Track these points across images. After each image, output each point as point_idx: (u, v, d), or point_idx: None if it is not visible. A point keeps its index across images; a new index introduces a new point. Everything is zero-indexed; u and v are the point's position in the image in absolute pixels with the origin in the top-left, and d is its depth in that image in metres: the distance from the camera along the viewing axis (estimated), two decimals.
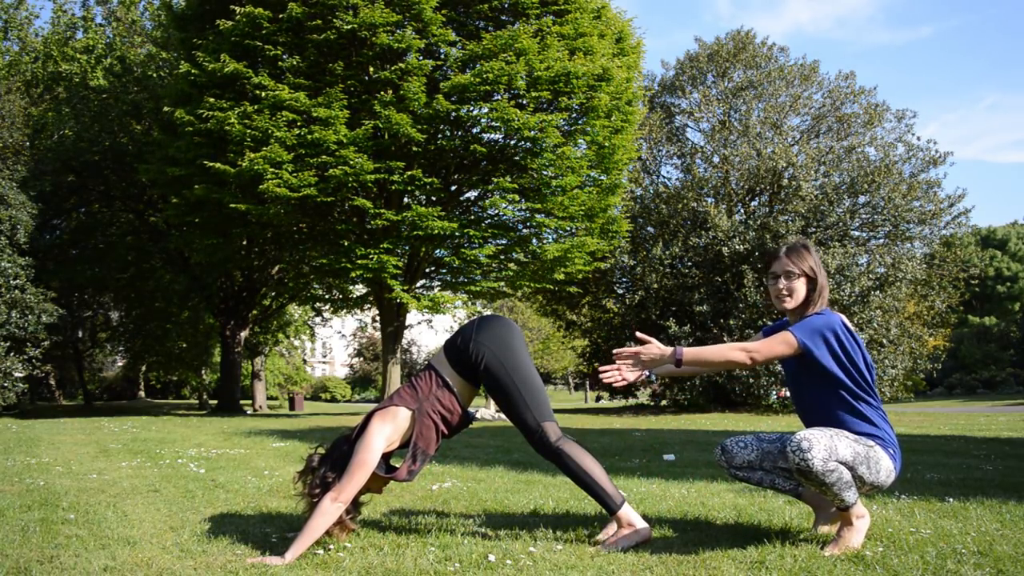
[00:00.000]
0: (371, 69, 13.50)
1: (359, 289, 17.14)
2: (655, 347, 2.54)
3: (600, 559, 2.44)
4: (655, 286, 17.66)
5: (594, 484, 2.70)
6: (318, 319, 30.76)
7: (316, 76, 13.25)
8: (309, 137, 12.50)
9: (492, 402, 11.50)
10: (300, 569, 2.40)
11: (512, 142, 13.89)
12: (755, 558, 2.37)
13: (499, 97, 13.08)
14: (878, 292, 16.34)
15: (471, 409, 2.96)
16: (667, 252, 17.46)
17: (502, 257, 15.25)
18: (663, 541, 2.70)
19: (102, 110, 19.43)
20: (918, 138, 18.60)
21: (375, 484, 2.82)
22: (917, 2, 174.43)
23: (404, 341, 28.16)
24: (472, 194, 15.78)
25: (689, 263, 17.93)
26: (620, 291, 19.66)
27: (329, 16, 12.76)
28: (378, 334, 34.74)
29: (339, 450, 2.77)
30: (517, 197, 14.17)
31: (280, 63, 13.40)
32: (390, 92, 12.87)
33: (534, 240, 15.22)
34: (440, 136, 13.91)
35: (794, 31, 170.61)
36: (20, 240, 14.54)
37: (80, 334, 25.32)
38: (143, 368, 33.59)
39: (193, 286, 20.23)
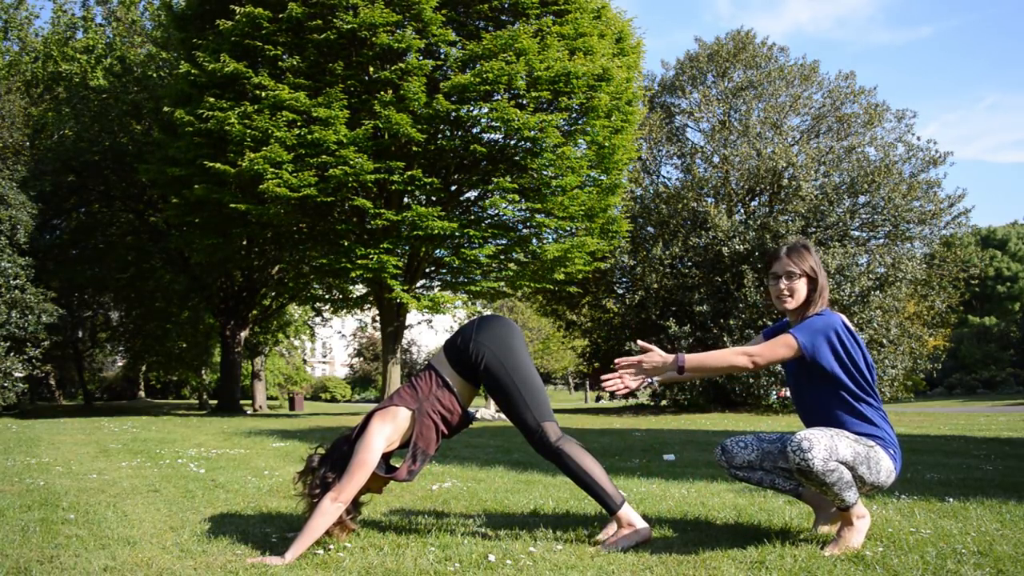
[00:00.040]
0: (371, 69, 13.50)
1: (359, 289, 17.14)
2: (657, 355, 2.55)
3: (600, 559, 2.44)
4: (655, 286, 17.66)
5: (594, 484, 2.70)
6: (318, 319, 30.76)
7: (316, 76, 13.25)
8: (309, 137, 12.50)
9: (492, 402, 11.50)
10: (300, 569, 2.40)
11: (512, 142, 13.90)
12: (755, 558, 2.37)
13: (499, 97, 13.08)
14: (878, 292, 16.34)
15: (471, 409, 2.96)
16: (667, 252, 17.46)
17: (502, 257, 15.25)
18: (663, 541, 2.70)
19: (102, 110, 19.43)
20: (918, 138, 18.62)
21: (375, 484, 2.82)
22: (917, 2, 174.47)
23: (404, 341, 28.17)
24: (472, 194, 15.78)
25: (689, 263, 17.93)
26: (620, 291, 19.67)
27: (329, 16, 12.76)
28: (378, 334, 34.75)
29: (339, 450, 2.76)
30: (517, 197, 14.17)
31: (280, 63, 13.40)
32: (390, 92, 12.87)
33: (534, 240, 15.23)
34: (440, 136, 13.91)
35: (794, 31, 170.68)
36: (20, 240, 14.54)
37: (80, 334, 25.32)
38: (143, 368, 33.59)
39: (193, 286, 20.24)
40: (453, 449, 6.33)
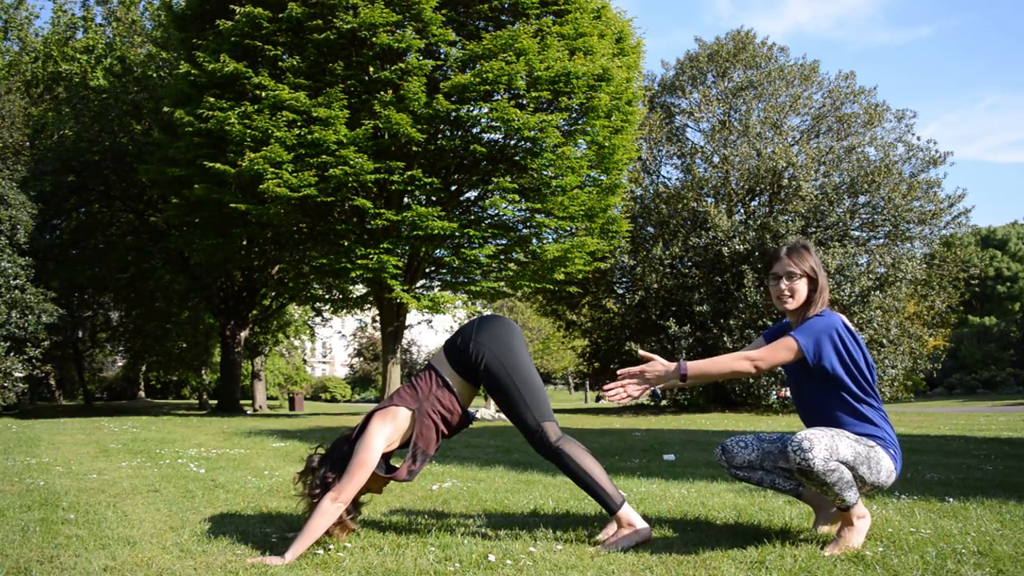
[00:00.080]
0: (371, 69, 13.50)
1: (359, 289, 17.14)
2: (659, 364, 2.55)
3: (600, 559, 2.44)
4: (655, 286, 17.66)
5: (594, 484, 2.70)
6: (318, 319, 30.76)
7: (316, 76, 13.25)
8: (309, 137, 12.50)
9: (492, 402, 11.50)
10: (300, 569, 2.40)
11: (512, 142, 13.90)
12: (755, 558, 2.37)
13: (499, 97, 13.08)
14: (878, 292, 16.34)
15: (471, 409, 2.96)
16: (667, 252, 17.46)
17: (502, 257, 15.25)
18: (663, 541, 2.70)
19: (102, 110, 19.43)
20: (918, 138, 18.63)
21: (375, 484, 2.82)
22: (917, 2, 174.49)
23: (404, 341, 28.17)
24: (472, 194, 15.78)
25: (689, 263, 17.93)
26: (620, 291, 19.67)
27: (329, 16, 12.76)
28: (378, 334, 34.75)
29: (339, 450, 2.76)
30: (517, 197, 14.17)
31: (280, 63, 13.41)
32: (390, 92, 12.87)
33: (534, 240, 15.23)
34: (440, 136, 13.91)
35: (794, 31, 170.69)
36: (20, 240, 14.54)
37: (80, 334, 25.32)
38: (143, 368, 33.60)
39: (193, 286, 20.24)
40: (453, 449, 6.33)
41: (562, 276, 15.17)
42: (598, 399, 43.88)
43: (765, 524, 2.93)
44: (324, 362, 70.73)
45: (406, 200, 14.78)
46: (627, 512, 2.67)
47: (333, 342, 64.81)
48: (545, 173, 14.21)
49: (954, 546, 2.45)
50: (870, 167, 17.38)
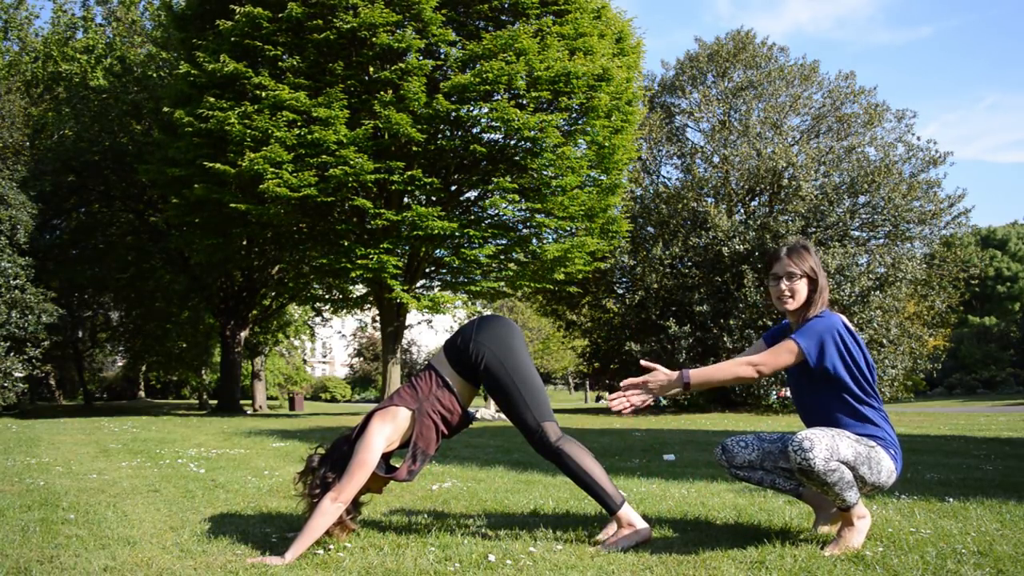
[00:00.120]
0: (371, 69, 13.50)
1: (359, 289, 17.14)
2: (661, 373, 2.56)
3: (600, 559, 2.44)
4: (655, 286, 17.66)
5: (594, 484, 2.70)
6: (318, 319, 30.77)
7: (316, 76, 13.25)
8: (309, 137, 12.50)
9: (492, 402, 11.51)
10: (300, 569, 2.40)
11: (512, 142, 13.90)
12: (755, 558, 2.37)
13: (499, 97, 13.08)
14: (878, 292, 16.34)
15: (471, 409, 2.96)
16: (667, 252, 17.46)
17: (502, 257, 15.26)
18: (663, 541, 2.70)
19: (102, 110, 19.43)
20: (918, 138, 18.63)
21: (375, 484, 2.82)
22: (917, 2, 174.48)
23: (404, 341, 28.17)
24: (472, 194, 15.78)
25: (689, 263, 17.93)
26: (620, 291, 19.67)
27: (329, 16, 12.76)
28: (378, 334, 34.75)
29: (339, 450, 2.76)
30: (517, 197, 14.17)
31: (280, 63, 13.41)
32: (390, 92, 12.87)
33: (534, 240, 15.23)
34: (440, 136, 13.91)
35: (794, 31, 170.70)
36: (20, 240, 14.54)
37: (80, 334, 25.32)
38: (143, 368, 33.60)
39: (193, 286, 20.24)
40: (453, 449, 6.33)
41: (562, 276, 15.17)
42: (598, 399, 43.90)
43: (765, 524, 2.93)
44: (324, 362, 70.74)
45: (406, 200, 14.78)
46: (627, 512, 2.67)
47: (333, 342, 64.82)
48: (545, 173, 14.21)
49: (954, 546, 2.45)
50: (870, 167, 17.38)
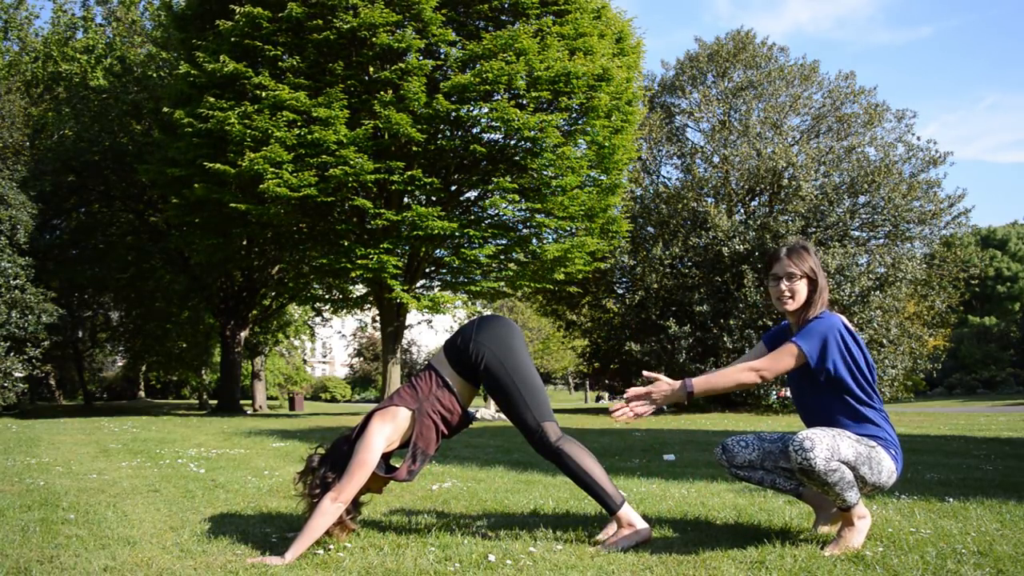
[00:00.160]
0: (371, 69, 13.50)
1: (359, 289, 17.13)
2: (664, 384, 2.56)
3: (600, 559, 2.44)
4: (655, 286, 17.66)
5: (594, 484, 2.70)
6: (318, 319, 30.77)
7: (316, 76, 13.25)
8: (309, 137, 12.50)
9: (492, 402, 11.51)
10: (300, 569, 2.40)
11: (512, 142, 13.90)
12: (755, 558, 2.37)
13: (499, 97, 13.08)
14: (878, 292, 16.34)
15: (471, 409, 2.96)
16: (667, 252, 17.46)
17: (502, 257, 15.26)
18: (663, 541, 2.70)
19: (102, 110, 19.43)
20: (918, 138, 18.61)
21: (375, 484, 2.82)
22: (917, 2, 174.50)
23: (404, 341, 28.17)
24: (472, 194, 15.78)
25: (689, 263, 17.93)
26: (620, 291, 19.67)
27: (329, 16, 12.76)
28: (378, 334, 34.75)
29: (339, 450, 2.76)
30: (517, 197, 14.17)
31: (280, 63, 13.40)
32: (390, 92, 12.87)
33: (534, 240, 15.23)
34: (440, 136, 13.91)
35: (794, 31, 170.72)
36: (20, 240, 14.54)
37: (80, 334, 25.32)
38: (143, 368, 33.60)
39: (193, 286, 20.23)
40: (453, 449, 6.33)
41: (562, 276, 15.17)
42: (598, 399, 43.89)
43: (765, 524, 2.93)
44: (324, 362, 70.74)
45: (406, 200, 14.78)
46: (627, 512, 2.67)
47: (333, 342, 64.82)
48: (545, 173, 14.21)
49: (954, 546, 2.45)
50: (870, 167, 17.38)
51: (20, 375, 15.13)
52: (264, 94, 12.66)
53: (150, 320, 23.77)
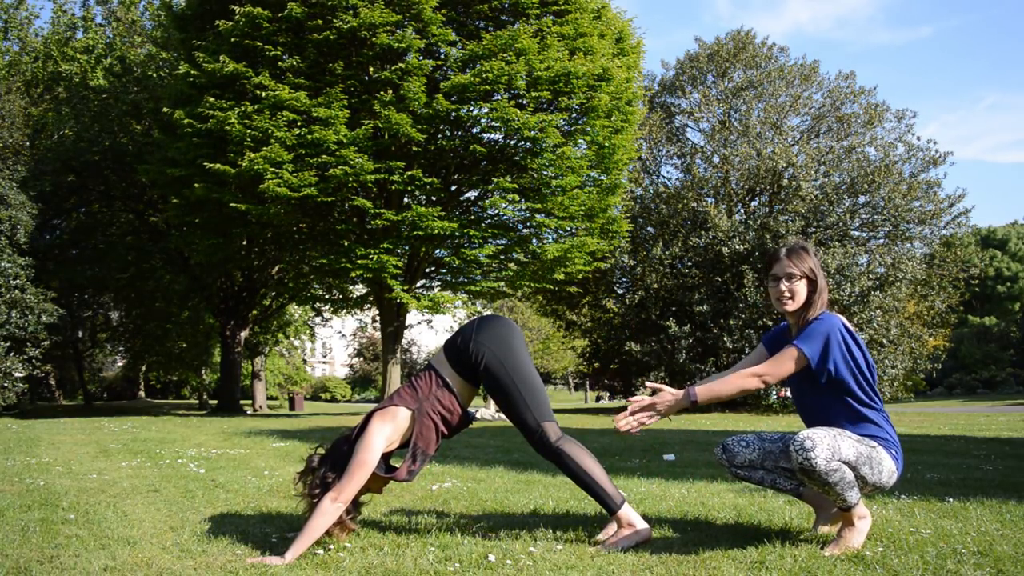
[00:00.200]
0: (371, 69, 13.50)
1: (359, 289, 17.13)
2: (668, 394, 2.56)
3: (600, 559, 2.44)
4: (655, 286, 17.66)
5: (594, 484, 2.70)
6: (318, 319, 30.77)
7: (316, 76, 13.25)
8: (309, 137, 12.50)
9: (492, 402, 11.50)
10: (300, 569, 2.40)
11: (512, 142, 13.90)
12: (755, 558, 2.37)
13: (499, 97, 13.08)
14: (878, 292, 16.34)
15: (471, 409, 2.96)
16: (667, 252, 17.46)
17: (502, 257, 15.25)
18: (663, 541, 2.70)
19: (102, 110, 19.43)
20: (918, 138, 18.60)
21: (375, 484, 2.82)
22: (917, 2, 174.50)
23: (404, 341, 28.17)
24: (472, 194, 15.78)
25: (689, 263, 17.93)
26: (620, 291, 19.67)
27: (329, 16, 12.76)
28: (378, 334, 34.75)
29: (339, 450, 2.76)
30: (517, 197, 14.17)
31: (280, 63, 13.40)
32: (390, 92, 12.87)
33: (534, 240, 15.23)
34: (440, 136, 13.91)
35: (794, 31, 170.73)
36: (20, 240, 14.54)
37: (80, 334, 25.31)
38: (143, 368, 33.60)
39: (193, 286, 20.23)
40: (453, 449, 6.33)
41: (562, 276, 15.17)
42: (598, 399, 43.90)
43: (765, 524, 2.93)
44: (324, 362, 70.74)
45: (406, 200, 14.78)
46: (627, 512, 2.67)
47: (333, 342, 64.83)
48: (545, 173, 14.21)
49: (954, 546, 2.45)
50: (870, 167, 17.38)
51: (20, 375, 15.13)
52: (264, 94, 12.66)
53: (150, 320, 23.77)
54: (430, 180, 13.36)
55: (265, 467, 5.19)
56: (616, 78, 13.91)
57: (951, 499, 3.39)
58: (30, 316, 14.42)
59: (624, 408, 2.65)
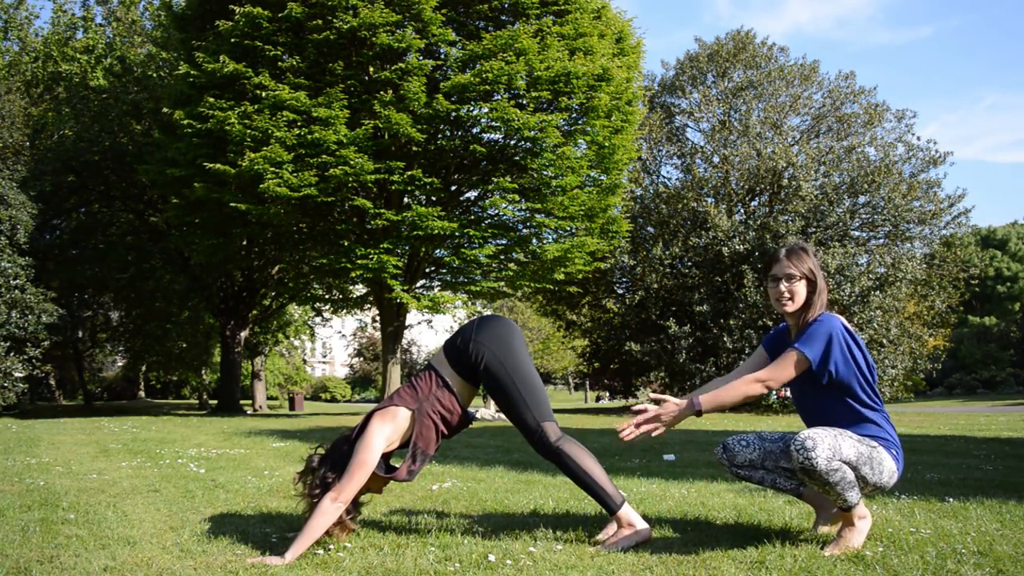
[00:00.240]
0: (371, 69, 13.50)
1: (359, 289, 17.13)
2: (672, 405, 2.56)
3: (600, 559, 2.44)
4: (655, 286, 17.66)
5: (594, 484, 2.70)
6: (318, 319, 30.76)
7: (316, 76, 13.25)
8: (309, 137, 12.50)
9: (492, 402, 11.50)
10: (300, 569, 2.40)
11: (512, 142, 13.89)
12: (755, 558, 2.37)
13: (499, 97, 13.08)
14: (878, 292, 16.33)
15: (471, 409, 2.96)
16: (667, 252, 17.45)
17: (502, 257, 15.25)
18: (663, 541, 2.70)
19: (102, 110, 19.43)
20: (918, 138, 18.60)
21: (375, 484, 2.82)
22: (917, 2, 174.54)
23: (404, 341, 28.16)
24: (472, 194, 15.78)
25: (689, 263, 17.93)
26: (620, 291, 19.66)
27: (329, 16, 12.75)
28: (378, 334, 34.74)
29: (339, 450, 2.76)
30: (517, 197, 14.17)
31: (280, 63, 13.40)
32: (390, 92, 12.87)
33: (534, 240, 15.22)
34: (440, 136, 13.90)
35: (794, 31, 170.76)
36: (20, 240, 14.54)
37: (80, 334, 25.31)
38: (143, 368, 33.60)
39: (193, 286, 20.23)
40: (453, 449, 6.33)
41: (562, 276, 15.16)
42: (598, 399, 43.90)
43: (765, 524, 2.93)
44: (324, 362, 70.73)
45: (406, 200, 14.78)
46: (627, 512, 2.67)
47: (333, 342, 64.82)
48: (545, 173, 14.20)
49: (954, 546, 2.45)
50: (870, 167, 17.37)
51: (20, 375, 15.13)
52: (264, 94, 12.66)
53: (150, 320, 23.77)
54: (430, 180, 13.35)
55: (265, 467, 5.19)
56: (616, 78, 13.91)
57: (951, 499, 3.39)
58: (30, 316, 14.42)
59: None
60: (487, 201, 14.30)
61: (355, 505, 2.78)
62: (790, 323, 2.70)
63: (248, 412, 21.95)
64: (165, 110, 14.33)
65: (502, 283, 15.51)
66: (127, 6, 22.61)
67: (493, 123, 13.32)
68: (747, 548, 2.49)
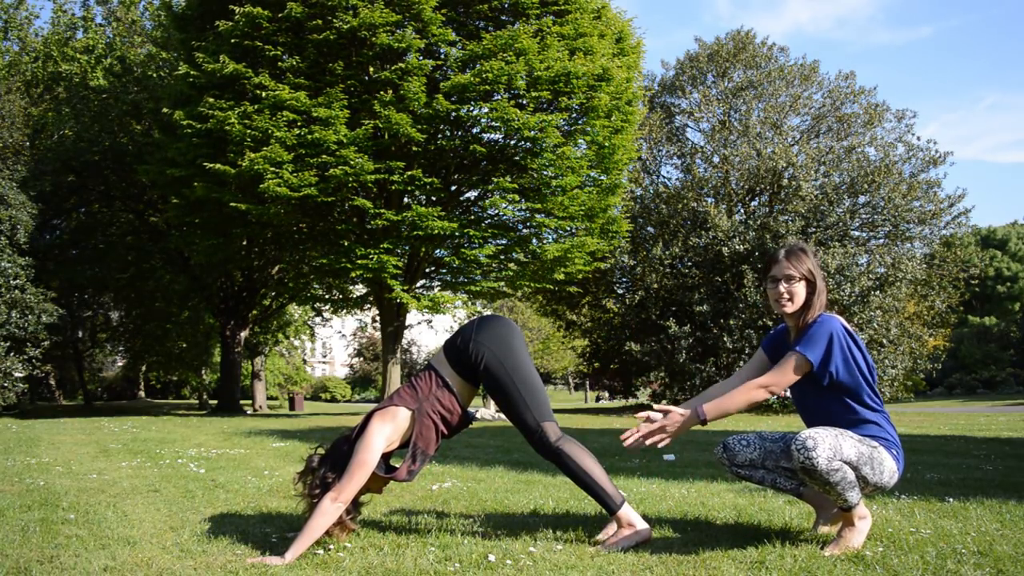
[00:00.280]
0: (371, 69, 13.50)
1: (359, 289, 17.13)
2: (676, 415, 2.56)
3: (600, 559, 2.44)
4: (655, 286, 17.65)
5: (594, 484, 2.70)
6: (318, 319, 30.77)
7: (316, 76, 13.25)
8: (309, 137, 12.50)
9: (492, 402, 11.49)
10: (300, 569, 2.40)
11: (512, 142, 13.89)
12: (755, 558, 2.37)
13: (499, 97, 13.08)
14: (878, 292, 16.33)
15: (471, 409, 2.96)
16: (667, 252, 17.45)
17: (502, 257, 15.25)
18: (663, 541, 2.70)
19: (102, 110, 19.43)
20: (918, 138, 18.58)
21: (375, 484, 2.82)
22: (917, 2, 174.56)
23: (404, 341, 28.17)
24: (472, 194, 15.78)
25: (689, 263, 17.92)
26: (620, 291, 19.66)
27: (329, 16, 12.76)
28: (378, 334, 34.75)
29: (339, 450, 2.77)
30: (517, 197, 14.17)
31: (280, 63, 13.40)
32: (390, 92, 12.87)
33: (534, 240, 15.22)
34: (440, 136, 13.91)
35: (794, 31, 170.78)
36: (20, 240, 14.54)
37: (80, 334, 25.31)
38: (143, 368, 33.60)
39: (193, 286, 20.24)
40: (453, 449, 6.33)
41: (562, 276, 15.16)
42: (598, 399, 43.89)
43: (765, 524, 2.93)
44: (324, 362, 70.73)
45: (406, 200, 14.78)
46: (627, 512, 2.67)
47: (333, 342, 64.83)
48: (545, 173, 14.20)
49: (954, 546, 2.45)
50: (870, 167, 17.36)
51: (20, 375, 15.13)
52: (264, 94, 12.66)
53: (150, 320, 23.77)
54: (430, 180, 13.35)
55: (265, 467, 5.19)
56: (616, 78, 13.91)
57: (951, 499, 3.39)
58: (30, 316, 14.42)
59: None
60: (487, 201, 14.30)
61: (355, 505, 2.78)
62: (789, 324, 2.70)
63: (248, 412, 21.95)
64: (165, 110, 14.33)
65: (502, 283, 15.51)
66: (127, 6, 22.61)
67: (493, 123, 13.32)
68: (747, 548, 2.49)
